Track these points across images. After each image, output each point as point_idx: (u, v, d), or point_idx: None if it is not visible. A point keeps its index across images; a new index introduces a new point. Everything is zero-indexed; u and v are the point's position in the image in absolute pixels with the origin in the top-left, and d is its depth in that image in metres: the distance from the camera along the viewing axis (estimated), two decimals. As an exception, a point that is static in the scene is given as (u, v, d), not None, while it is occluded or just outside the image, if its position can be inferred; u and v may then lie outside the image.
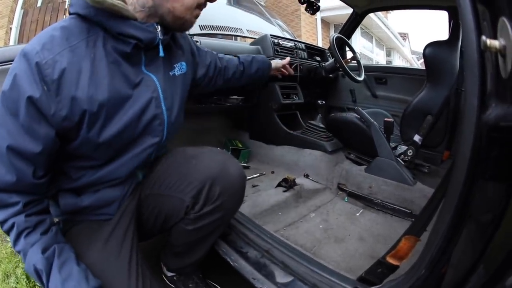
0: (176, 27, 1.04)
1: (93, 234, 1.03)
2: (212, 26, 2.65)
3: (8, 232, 0.90)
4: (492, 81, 0.68)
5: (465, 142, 0.69)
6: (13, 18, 6.98)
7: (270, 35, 2.76)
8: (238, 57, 1.69)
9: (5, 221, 0.89)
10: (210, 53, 1.51)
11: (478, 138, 0.67)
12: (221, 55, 1.61)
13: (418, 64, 18.23)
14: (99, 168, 1.02)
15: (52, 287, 0.86)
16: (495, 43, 0.60)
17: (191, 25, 1.04)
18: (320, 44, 11.18)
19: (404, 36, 19.19)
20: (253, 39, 2.93)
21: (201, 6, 1.03)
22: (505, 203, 0.59)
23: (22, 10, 7.16)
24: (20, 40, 7.04)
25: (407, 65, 19.36)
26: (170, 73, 1.13)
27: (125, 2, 0.92)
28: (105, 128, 0.93)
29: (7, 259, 1.77)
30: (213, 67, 1.50)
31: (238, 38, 3.86)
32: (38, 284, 0.98)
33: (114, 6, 0.87)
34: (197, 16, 1.04)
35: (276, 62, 1.92)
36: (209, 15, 2.86)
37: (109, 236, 1.03)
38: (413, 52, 21.01)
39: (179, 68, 1.18)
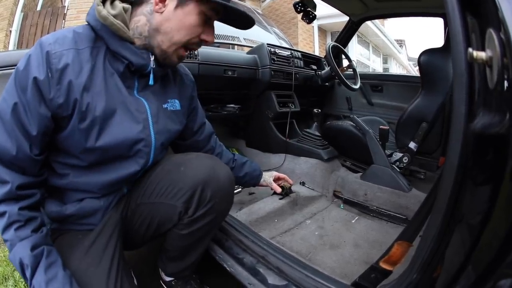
0: (161, 60, 1.10)
1: (76, 244, 1.06)
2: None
3: None
4: (480, 90, 0.70)
5: (453, 149, 0.72)
6: (13, 21, 7.01)
7: (267, 44, 2.80)
8: (234, 154, 1.70)
9: None
10: (208, 124, 1.55)
11: (466, 146, 0.70)
12: (220, 143, 1.65)
13: (415, 70, 18.35)
14: (83, 171, 1.06)
15: (35, 284, 0.90)
16: (481, 55, 0.62)
17: (172, 62, 1.11)
18: (317, 52, 11.24)
19: (400, 43, 19.28)
20: (250, 48, 2.96)
21: (186, 48, 1.10)
22: (490, 205, 0.61)
23: (22, 13, 7.19)
24: (19, 43, 7.06)
25: (404, 72, 19.47)
26: (163, 105, 1.20)
27: (127, 26, 1.03)
28: (94, 133, 0.99)
29: (5, 262, 1.78)
30: (204, 137, 1.52)
31: (235, 46, 3.88)
32: (20, 274, 0.99)
33: (113, 25, 0.98)
34: (180, 57, 1.11)
35: (269, 175, 1.87)
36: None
37: (90, 246, 1.05)
38: (410, 59, 21.08)
39: (172, 104, 1.24)
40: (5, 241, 0.94)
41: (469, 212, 0.73)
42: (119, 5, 1.02)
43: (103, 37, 1.00)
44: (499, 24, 0.60)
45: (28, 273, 0.90)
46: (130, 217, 1.21)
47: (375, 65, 15.45)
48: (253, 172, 1.72)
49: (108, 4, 1.02)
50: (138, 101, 1.09)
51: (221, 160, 1.47)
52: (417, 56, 2.27)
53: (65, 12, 7.17)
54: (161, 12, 1.03)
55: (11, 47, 6.84)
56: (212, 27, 1.09)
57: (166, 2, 1.02)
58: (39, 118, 0.93)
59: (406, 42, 21.16)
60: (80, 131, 0.97)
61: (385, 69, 16.86)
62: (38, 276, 0.90)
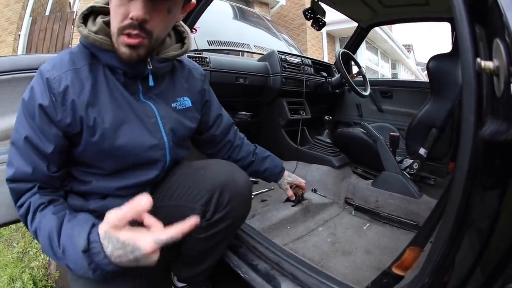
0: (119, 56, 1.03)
1: None
2: (220, 42, 2.75)
3: (25, 217, 0.98)
4: (488, 98, 0.73)
5: (463, 156, 0.75)
6: (21, 25, 7.11)
7: (278, 51, 2.83)
8: (256, 147, 1.68)
9: (22, 204, 0.98)
10: (225, 116, 1.53)
11: (475, 152, 0.73)
12: (241, 135, 1.64)
13: (423, 75, 18.27)
14: (105, 177, 1.10)
15: (63, 239, 0.89)
16: (489, 65, 0.65)
17: (124, 55, 0.99)
18: (326, 58, 11.28)
19: (408, 47, 19.23)
20: (261, 55, 3.00)
21: (128, 35, 0.96)
22: (498, 210, 0.64)
23: (31, 17, 7.30)
24: (28, 47, 7.17)
25: (412, 77, 19.40)
26: (172, 104, 1.21)
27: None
28: (106, 144, 1.03)
29: (13, 264, 1.84)
30: (222, 129, 1.50)
31: (246, 53, 3.92)
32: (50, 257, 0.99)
33: (96, 41, 1.00)
34: (127, 45, 0.97)
35: (289, 181, 1.80)
36: (217, 30, 2.95)
37: None
38: (418, 64, 20.99)
39: (181, 103, 1.24)
40: (34, 232, 0.96)
41: (478, 217, 0.75)
42: (99, 20, 1.04)
43: (94, 53, 1.04)
44: (505, 34, 0.62)
45: (55, 237, 0.90)
46: None
47: (384, 71, 15.44)
48: (274, 168, 1.71)
49: (90, 21, 1.05)
50: (145, 106, 1.12)
51: (240, 153, 1.55)
52: (425, 61, 2.28)
53: (74, 17, 7.29)
54: None
55: (20, 51, 6.94)
56: (139, 2, 0.91)
57: None
58: (52, 138, 0.98)
59: (413, 47, 21.12)
60: (93, 144, 1.01)
61: (394, 75, 16.82)
62: (64, 229, 0.91)
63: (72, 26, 7.16)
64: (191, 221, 0.81)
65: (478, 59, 0.68)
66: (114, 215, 0.80)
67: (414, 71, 19.88)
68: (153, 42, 1.01)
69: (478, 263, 0.70)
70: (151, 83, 1.11)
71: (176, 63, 1.27)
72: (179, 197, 1.20)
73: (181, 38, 1.25)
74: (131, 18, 0.92)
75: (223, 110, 1.54)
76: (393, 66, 17.21)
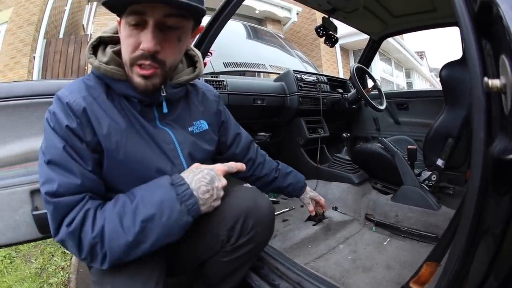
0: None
1: (121, 266, 1.00)
2: (236, 63, 2.80)
3: (80, 228, 0.92)
4: (497, 115, 0.75)
5: (474, 172, 0.78)
6: (36, 47, 7.23)
7: (293, 70, 2.87)
8: (278, 163, 1.72)
9: (73, 219, 0.92)
10: (244, 134, 1.55)
11: (486, 169, 0.75)
12: (263, 152, 1.68)
13: (437, 81, 18.08)
14: None
15: (138, 197, 0.96)
16: (496, 83, 0.66)
17: (138, 85, 1.01)
18: (341, 71, 11.29)
19: (421, 54, 19.08)
20: (276, 74, 3.04)
21: (140, 66, 0.98)
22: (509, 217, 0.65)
23: (45, 40, 7.43)
24: (44, 69, 7.30)
25: (427, 84, 19.24)
26: (189, 128, 1.23)
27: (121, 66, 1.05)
28: (128, 169, 1.04)
29: (30, 279, 1.89)
30: (242, 148, 1.52)
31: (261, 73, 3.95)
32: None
33: (107, 72, 1.03)
34: (141, 76, 0.99)
35: (310, 196, 1.82)
36: (232, 51, 3.01)
37: (137, 271, 1.02)
38: (431, 70, 20.73)
39: (198, 126, 1.26)
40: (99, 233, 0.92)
41: (492, 225, 0.76)
42: (109, 51, 1.06)
43: (108, 83, 1.05)
44: (510, 50, 0.62)
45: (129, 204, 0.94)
46: (175, 247, 1.20)
47: (399, 80, 15.34)
48: (297, 183, 1.72)
49: (100, 52, 1.08)
50: (163, 132, 1.13)
51: (263, 169, 1.57)
52: (438, 66, 2.29)
53: (88, 40, 7.41)
54: None
55: (35, 72, 7.09)
56: (149, 34, 0.93)
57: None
58: (86, 154, 0.97)
59: (426, 53, 20.91)
60: (115, 167, 1.02)
61: (409, 83, 16.70)
62: (137, 192, 0.98)
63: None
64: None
65: (486, 79, 0.69)
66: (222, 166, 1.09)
67: (428, 77, 19.67)
68: (167, 70, 1.03)
69: (492, 270, 0.71)
70: (165, 110, 1.13)
71: (189, 87, 1.29)
72: (204, 223, 1.20)
73: (192, 62, 1.27)
74: (143, 50, 0.94)
75: (241, 128, 1.56)
76: (407, 75, 17.09)
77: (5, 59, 7.05)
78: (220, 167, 1.08)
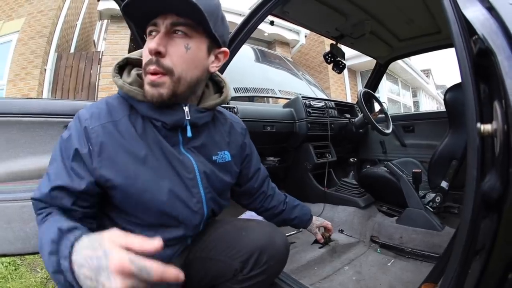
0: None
1: None
2: (246, 89, 2.89)
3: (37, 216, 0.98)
4: (489, 155, 0.84)
5: (466, 206, 0.87)
6: (47, 59, 7.21)
7: (302, 96, 2.97)
8: (286, 196, 1.69)
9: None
10: (262, 169, 1.57)
11: (477, 202, 0.85)
12: (273, 185, 1.65)
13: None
14: (143, 228, 1.10)
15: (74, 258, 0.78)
16: (488, 128, 0.76)
17: (146, 94, 1.02)
18: (348, 93, 11.27)
19: (427, 73, 19.03)
20: (286, 99, 3.14)
21: (151, 73, 1.00)
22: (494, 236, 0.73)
23: (56, 53, 7.43)
24: (55, 82, 7.30)
25: (433, 102, 19.20)
26: (213, 157, 1.22)
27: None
28: (143, 193, 1.03)
29: (36, 287, 1.90)
30: (259, 183, 1.53)
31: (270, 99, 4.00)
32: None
33: (130, 92, 1.05)
34: (149, 83, 1.00)
35: (317, 224, 1.86)
36: (241, 76, 3.09)
37: None
38: (437, 87, 20.59)
39: (221, 157, 1.25)
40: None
41: (481, 248, 0.84)
42: (134, 73, 1.10)
43: (131, 103, 1.06)
44: (502, 97, 0.67)
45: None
46: (188, 267, 1.25)
47: (406, 100, 15.33)
48: (303, 216, 1.73)
49: (125, 73, 1.11)
50: (184, 159, 1.12)
51: (272, 202, 1.58)
52: (444, 83, 2.31)
53: (100, 57, 7.54)
54: None
55: (46, 85, 7.08)
56: (156, 37, 0.98)
57: None
58: (84, 179, 0.98)
59: (432, 70, 20.82)
60: (131, 195, 1.03)
61: (415, 102, 16.69)
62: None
63: (99, 66, 7.40)
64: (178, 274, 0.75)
65: (478, 124, 0.79)
66: (122, 238, 0.72)
67: (434, 96, 19.55)
68: (175, 80, 1.01)
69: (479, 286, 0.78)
70: (189, 134, 1.10)
71: (217, 115, 1.30)
72: (218, 252, 1.23)
73: (219, 88, 1.28)
74: (150, 53, 0.98)
75: (261, 163, 1.57)
76: (414, 94, 17.05)
77: (16, 69, 7.04)
78: (119, 263, 0.66)
